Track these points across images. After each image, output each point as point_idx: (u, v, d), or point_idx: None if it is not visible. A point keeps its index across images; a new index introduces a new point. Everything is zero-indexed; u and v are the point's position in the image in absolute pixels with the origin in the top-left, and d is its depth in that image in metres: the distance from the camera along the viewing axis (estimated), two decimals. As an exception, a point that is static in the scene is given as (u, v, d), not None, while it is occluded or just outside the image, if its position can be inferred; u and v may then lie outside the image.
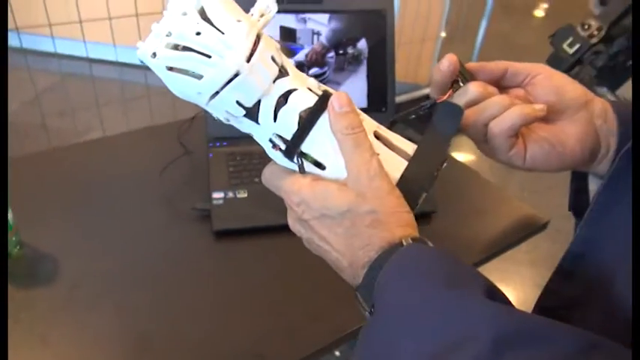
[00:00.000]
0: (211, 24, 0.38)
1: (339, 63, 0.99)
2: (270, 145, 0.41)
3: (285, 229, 0.44)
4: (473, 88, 0.44)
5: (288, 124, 0.40)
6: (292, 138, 0.40)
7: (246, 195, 0.85)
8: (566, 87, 0.46)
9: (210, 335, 0.67)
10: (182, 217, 0.84)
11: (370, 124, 0.41)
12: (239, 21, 0.38)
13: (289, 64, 0.41)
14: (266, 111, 0.39)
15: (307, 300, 0.72)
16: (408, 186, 0.39)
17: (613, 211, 0.40)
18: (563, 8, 5.20)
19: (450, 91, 0.45)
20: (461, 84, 0.45)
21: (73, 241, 0.79)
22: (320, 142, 0.40)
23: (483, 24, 2.70)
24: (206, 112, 0.41)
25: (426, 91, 2.56)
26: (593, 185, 0.52)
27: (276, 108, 0.39)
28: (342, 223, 0.38)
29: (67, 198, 0.87)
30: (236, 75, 0.38)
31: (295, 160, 0.41)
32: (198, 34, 0.37)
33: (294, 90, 0.40)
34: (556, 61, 0.64)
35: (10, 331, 0.63)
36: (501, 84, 0.48)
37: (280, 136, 0.40)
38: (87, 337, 0.65)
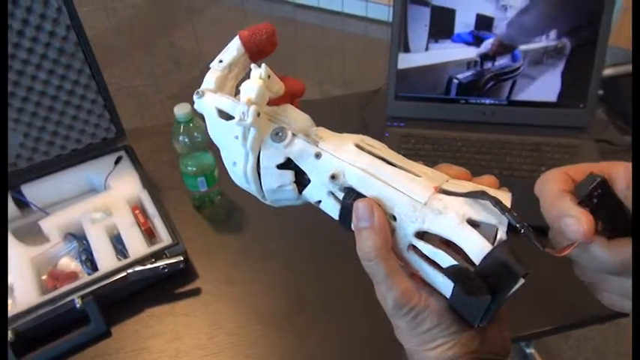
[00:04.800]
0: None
1: (536, 56, 0.93)
2: None
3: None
4: None
5: None
6: None
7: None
8: None
9: (358, 309, 0.75)
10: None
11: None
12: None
13: None
14: None
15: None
16: None
17: None
18: None
19: None
20: None
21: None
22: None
23: None
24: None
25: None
26: None
27: None
28: None
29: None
30: None
31: None
32: None
33: None
34: None
35: (204, 271, 0.80)
36: None
37: None
38: (260, 283, 0.79)
